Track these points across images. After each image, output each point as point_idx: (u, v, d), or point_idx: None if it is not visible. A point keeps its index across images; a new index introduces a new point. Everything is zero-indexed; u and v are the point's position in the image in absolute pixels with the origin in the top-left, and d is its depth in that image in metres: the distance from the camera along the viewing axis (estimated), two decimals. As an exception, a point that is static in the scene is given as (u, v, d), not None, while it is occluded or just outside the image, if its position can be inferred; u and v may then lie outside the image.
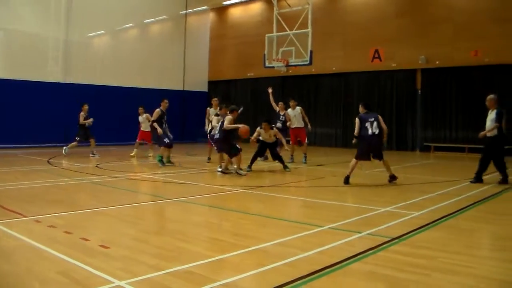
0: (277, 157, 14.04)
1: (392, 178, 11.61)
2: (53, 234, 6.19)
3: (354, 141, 11.95)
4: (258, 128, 13.86)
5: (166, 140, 14.44)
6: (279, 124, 15.73)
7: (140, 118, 18.07)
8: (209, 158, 16.23)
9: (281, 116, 16.12)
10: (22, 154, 18.21)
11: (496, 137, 11.21)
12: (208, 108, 16.14)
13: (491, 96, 11.61)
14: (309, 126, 16.64)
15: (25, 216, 7.18)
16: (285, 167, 13.82)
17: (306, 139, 16.43)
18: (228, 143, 12.85)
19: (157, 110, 14.79)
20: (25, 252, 5.36)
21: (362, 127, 11.49)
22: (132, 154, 17.60)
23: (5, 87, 20.74)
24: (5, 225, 6.54)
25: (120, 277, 4.44)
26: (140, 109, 18.09)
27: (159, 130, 14.37)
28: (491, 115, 11.39)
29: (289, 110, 16.34)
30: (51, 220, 6.97)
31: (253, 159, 13.90)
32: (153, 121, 14.66)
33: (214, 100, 16.34)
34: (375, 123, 11.33)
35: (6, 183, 10.61)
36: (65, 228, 6.42)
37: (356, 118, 11.72)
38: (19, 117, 20.88)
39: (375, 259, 5.18)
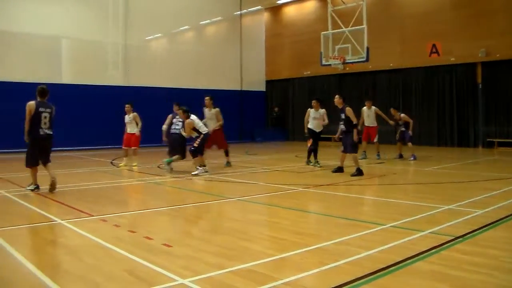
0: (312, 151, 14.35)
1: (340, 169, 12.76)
2: (118, 233, 6.38)
3: (337, 135, 13.01)
4: (309, 109, 14.48)
5: None
6: (403, 128, 16.14)
7: (127, 118, 15.02)
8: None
9: (400, 121, 16.41)
10: (86, 156, 18.78)
11: None
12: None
13: None
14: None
15: (91, 216, 7.43)
16: (316, 163, 14.30)
17: (376, 137, 16.63)
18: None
19: None
20: (92, 250, 5.55)
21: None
22: (121, 164, 14.97)
23: (70, 92, 21.46)
24: (73, 224, 6.81)
25: (183, 276, 4.53)
26: (128, 107, 15.02)
27: None
28: None
29: (365, 108, 16.55)
30: (116, 219, 7.18)
31: (314, 153, 14.32)
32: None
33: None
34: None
35: (73, 184, 10.96)
36: (130, 227, 6.61)
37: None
38: (83, 120, 21.57)
39: (439, 258, 5.09)
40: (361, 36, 19.41)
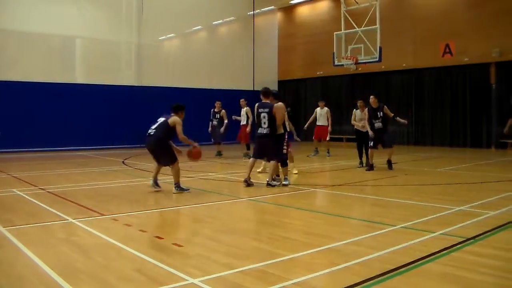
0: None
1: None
2: (129, 232, 6.40)
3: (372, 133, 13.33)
4: (354, 110, 14.82)
5: None
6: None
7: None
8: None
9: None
10: (99, 156, 18.86)
11: None
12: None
13: None
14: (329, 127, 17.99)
15: (102, 215, 7.47)
16: (360, 163, 14.43)
17: (328, 137, 17.91)
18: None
19: None
20: (103, 249, 5.57)
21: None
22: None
23: (83, 92, 21.62)
24: (85, 223, 6.85)
25: (194, 275, 4.54)
26: (242, 101, 17.58)
27: None
28: None
29: (318, 109, 18.09)
30: (127, 219, 7.21)
31: (360, 154, 14.58)
32: None
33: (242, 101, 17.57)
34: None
35: (85, 183, 11.03)
36: (140, 227, 6.62)
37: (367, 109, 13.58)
38: (96, 120, 21.70)
39: (450, 260, 5.06)
40: (374, 36, 19.39)
